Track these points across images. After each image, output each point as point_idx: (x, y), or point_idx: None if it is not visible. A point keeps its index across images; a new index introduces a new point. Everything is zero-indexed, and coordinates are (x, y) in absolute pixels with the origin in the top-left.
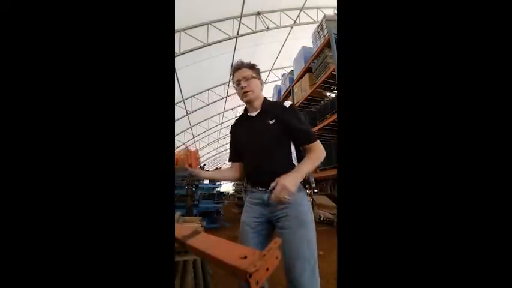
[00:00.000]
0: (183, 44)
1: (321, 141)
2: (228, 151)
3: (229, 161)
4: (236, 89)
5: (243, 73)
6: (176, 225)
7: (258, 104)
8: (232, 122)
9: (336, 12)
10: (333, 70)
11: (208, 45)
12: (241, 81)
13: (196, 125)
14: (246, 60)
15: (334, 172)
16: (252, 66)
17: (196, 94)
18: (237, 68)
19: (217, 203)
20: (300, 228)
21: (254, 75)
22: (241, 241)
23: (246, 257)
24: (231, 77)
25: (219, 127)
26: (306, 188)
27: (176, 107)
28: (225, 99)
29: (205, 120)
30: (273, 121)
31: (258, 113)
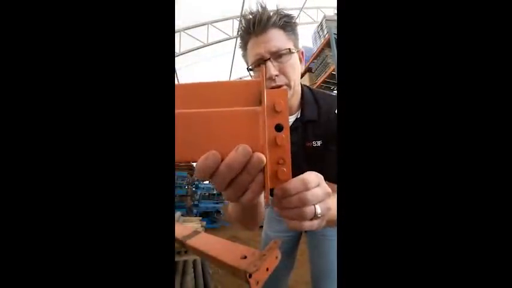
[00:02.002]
0: (183, 44)
1: None
2: None
3: None
4: (252, 74)
5: (271, 42)
6: (176, 225)
7: (294, 102)
8: None
9: (336, 12)
10: (333, 70)
11: (208, 45)
12: (268, 63)
13: None
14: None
15: None
16: (286, 24)
17: None
18: (256, 26)
19: (217, 203)
20: (335, 235)
21: (292, 47)
22: None
23: (246, 257)
24: (240, 45)
25: None
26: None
27: None
28: None
29: None
30: (319, 143)
31: (294, 120)
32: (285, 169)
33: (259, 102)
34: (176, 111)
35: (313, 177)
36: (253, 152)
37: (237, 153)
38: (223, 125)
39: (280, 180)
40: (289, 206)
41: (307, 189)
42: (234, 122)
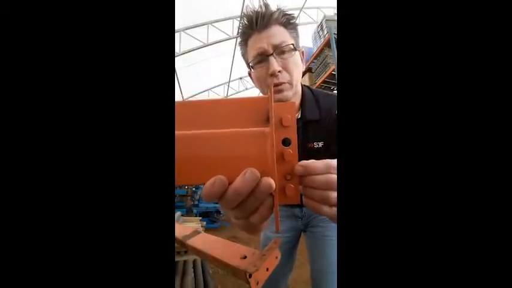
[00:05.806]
0: (183, 44)
1: None
2: None
3: None
4: (252, 71)
5: (275, 36)
6: (176, 225)
7: (295, 102)
8: None
9: (336, 12)
10: (333, 70)
11: (208, 45)
12: (272, 58)
13: None
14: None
15: None
16: (288, 21)
17: (196, 94)
18: (259, 21)
19: (217, 203)
20: (335, 236)
21: (293, 43)
22: None
23: (246, 257)
24: (240, 43)
25: None
26: None
27: None
28: None
29: None
30: (321, 144)
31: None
32: (292, 185)
33: (267, 119)
34: (180, 132)
35: (335, 164)
36: (261, 175)
37: (245, 178)
38: (229, 146)
39: (287, 197)
40: (313, 185)
41: (331, 173)
42: (240, 144)
